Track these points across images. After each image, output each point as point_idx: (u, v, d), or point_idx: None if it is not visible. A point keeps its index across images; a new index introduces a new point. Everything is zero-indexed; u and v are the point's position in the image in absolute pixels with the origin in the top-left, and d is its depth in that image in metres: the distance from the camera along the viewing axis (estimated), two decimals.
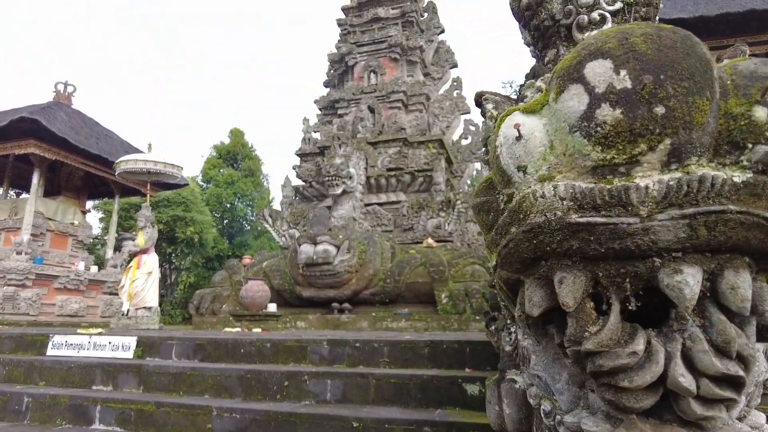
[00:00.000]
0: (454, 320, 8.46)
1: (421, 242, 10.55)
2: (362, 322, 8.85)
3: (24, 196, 13.73)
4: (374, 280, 9.14)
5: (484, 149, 1.10)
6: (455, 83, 14.05)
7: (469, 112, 13.59)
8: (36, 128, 10.93)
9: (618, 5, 1.32)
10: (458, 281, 8.94)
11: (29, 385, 4.84)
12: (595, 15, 1.29)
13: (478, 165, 13.03)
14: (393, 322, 8.73)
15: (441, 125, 12.90)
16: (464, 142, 13.41)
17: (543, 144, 0.91)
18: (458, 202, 10.53)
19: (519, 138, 0.84)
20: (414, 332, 7.56)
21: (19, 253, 11.29)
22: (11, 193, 14.28)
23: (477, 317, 8.43)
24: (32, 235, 11.79)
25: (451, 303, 8.63)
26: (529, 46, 1.31)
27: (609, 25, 1.29)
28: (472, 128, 13.51)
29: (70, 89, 13.29)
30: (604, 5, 1.32)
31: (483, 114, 1.11)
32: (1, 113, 12.26)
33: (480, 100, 1.08)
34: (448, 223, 10.57)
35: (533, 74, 1.14)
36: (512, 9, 1.30)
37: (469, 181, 13.72)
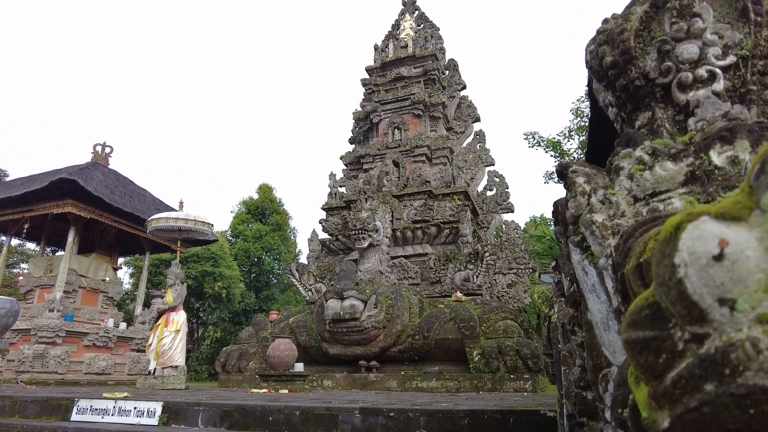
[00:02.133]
0: (487, 379, 8.08)
1: (449, 295, 10.30)
2: (391, 381, 8.54)
3: (59, 253, 14.11)
4: (402, 336, 8.88)
5: (571, 227, 0.84)
6: (478, 136, 14.19)
7: (493, 164, 13.62)
8: (74, 188, 11.34)
9: (730, 59, 1.11)
10: (490, 337, 8.62)
11: None
12: (701, 72, 1.09)
13: (505, 216, 12.90)
14: (423, 381, 8.39)
15: (465, 177, 12.92)
16: (489, 194, 13.35)
17: (762, 269, 0.61)
18: (486, 254, 10.33)
19: (720, 258, 0.57)
20: (447, 394, 7.22)
21: (51, 310, 11.43)
22: (47, 250, 14.70)
23: (511, 376, 8.05)
24: (65, 292, 11.97)
25: (483, 361, 8.28)
26: (610, 108, 1.17)
27: (720, 83, 1.09)
28: (497, 179, 13.49)
29: (107, 150, 13.89)
30: (713, 60, 1.15)
31: (567, 187, 0.91)
32: (43, 174, 12.82)
33: (565, 172, 0.91)
34: (477, 276, 10.34)
35: (627, 141, 0.96)
36: (591, 68, 1.16)
37: (495, 232, 13.53)
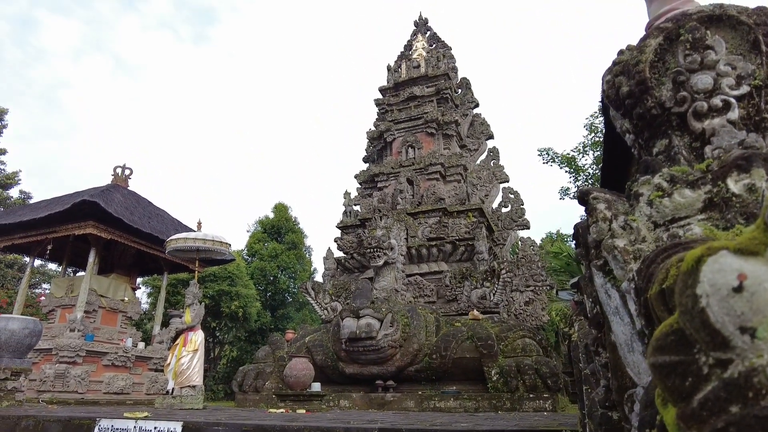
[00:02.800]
0: (506, 399, 7.97)
1: (466, 313, 10.24)
2: (408, 401, 8.46)
3: (80, 273, 14.34)
4: (419, 355, 8.82)
5: (593, 251, 0.86)
6: (492, 153, 14.22)
7: (507, 181, 13.62)
8: (95, 210, 11.59)
9: (744, 89, 1.13)
10: (508, 356, 8.53)
11: None
12: (716, 101, 1.11)
13: (520, 233, 12.84)
14: (441, 401, 8.30)
15: (480, 194, 12.93)
16: (504, 210, 13.32)
17: None
18: (503, 271, 10.28)
19: (739, 289, 0.60)
20: (466, 414, 7.13)
21: (72, 330, 11.60)
22: (69, 271, 14.96)
23: (531, 395, 7.93)
24: (86, 312, 12.15)
25: (502, 380, 8.19)
26: (627, 134, 1.20)
27: (735, 112, 1.12)
28: (511, 196, 13.46)
29: (127, 172, 14.20)
30: (727, 90, 1.19)
31: (588, 213, 0.94)
32: (65, 196, 13.13)
33: (586, 198, 0.94)
34: (494, 294, 10.27)
35: (645, 168, 0.99)
36: (608, 97, 1.20)
37: (510, 249, 13.45)
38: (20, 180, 25.22)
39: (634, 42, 1.16)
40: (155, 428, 5.41)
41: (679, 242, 0.79)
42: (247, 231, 24.14)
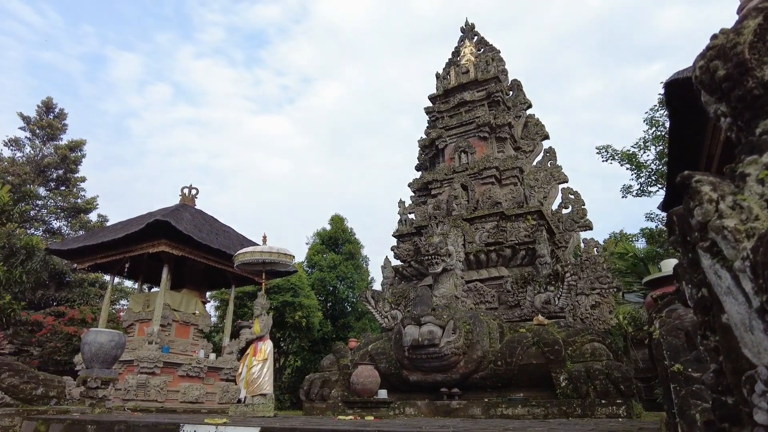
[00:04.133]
0: (576, 405, 7.71)
1: (530, 319, 10.01)
2: (474, 408, 8.36)
3: (155, 289, 15.24)
4: (484, 362, 8.72)
5: (697, 234, 0.87)
6: (548, 154, 13.90)
7: (566, 181, 13.26)
8: (166, 229, 12.33)
9: None
10: (577, 361, 8.26)
11: None
12: None
13: (583, 234, 12.43)
14: (508, 408, 8.15)
15: (538, 196, 12.65)
16: (565, 212, 12.96)
17: None
18: (567, 274, 9.99)
19: None
20: (535, 420, 6.97)
21: (150, 342, 12.35)
22: (144, 287, 15.95)
23: (602, 401, 7.63)
24: (161, 325, 12.90)
25: (571, 386, 7.93)
26: (723, 118, 1.18)
27: None
28: (572, 196, 13.08)
29: (193, 192, 15.03)
30: None
31: (691, 196, 0.94)
32: (138, 218, 14.05)
33: (688, 182, 0.94)
34: (558, 298, 10.00)
35: (750, 149, 0.99)
36: (701, 82, 1.19)
37: (573, 251, 13.04)
38: (98, 204, 27.21)
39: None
40: None
41: None
42: (306, 243, 24.85)
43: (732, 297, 0.86)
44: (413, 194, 14.16)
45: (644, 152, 17.83)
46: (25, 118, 25.96)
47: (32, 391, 7.83)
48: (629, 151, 18.15)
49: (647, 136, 17.73)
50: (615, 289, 11.35)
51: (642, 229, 19.77)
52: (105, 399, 8.81)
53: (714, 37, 1.17)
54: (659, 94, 15.98)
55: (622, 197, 19.10)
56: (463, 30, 15.93)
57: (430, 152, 14.39)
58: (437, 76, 15.11)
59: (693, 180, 0.97)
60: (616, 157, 18.40)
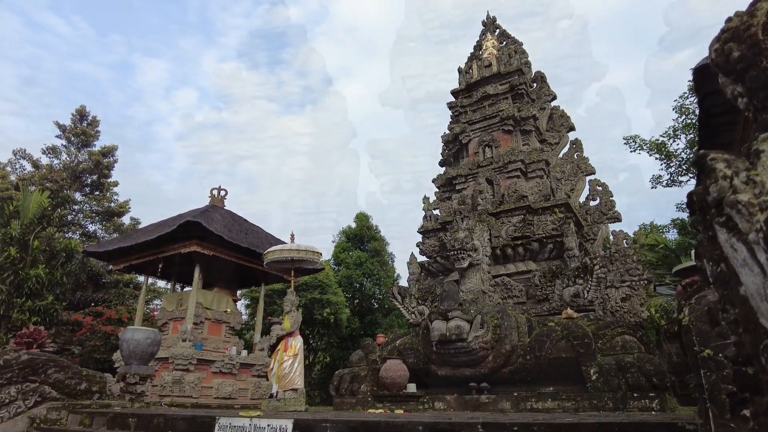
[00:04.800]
0: (607, 399, 7.62)
1: (558, 313, 9.92)
2: (504, 402, 8.35)
3: (187, 289, 15.68)
4: (512, 356, 8.69)
5: (714, 210, 0.89)
6: (574, 145, 13.71)
7: (593, 173, 13.06)
8: (197, 230, 12.68)
9: None
10: (607, 354, 8.16)
11: None
12: None
13: (612, 226, 12.23)
14: (538, 402, 8.11)
15: (565, 189, 12.50)
16: (592, 204, 12.77)
17: None
18: (596, 267, 9.86)
19: None
20: (565, 414, 6.93)
21: (184, 340, 12.73)
22: (177, 287, 16.43)
23: (634, 394, 7.52)
24: (194, 323, 13.28)
25: (602, 379, 7.84)
26: (740, 98, 1.21)
27: None
28: (599, 188, 12.88)
29: (222, 193, 15.38)
30: None
31: (707, 173, 0.97)
32: (170, 219, 14.47)
33: (703, 160, 0.97)
34: (587, 291, 9.88)
35: (765, 126, 1.02)
36: (716, 65, 1.22)
37: (602, 244, 12.83)
38: (130, 208, 28.07)
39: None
40: (269, 425, 5.82)
41: None
42: (332, 241, 25.15)
43: (747, 268, 0.89)
44: (437, 190, 14.16)
45: (674, 141, 17.40)
46: (61, 126, 26.97)
47: (76, 386, 8.19)
48: (658, 140, 17.73)
49: (677, 125, 17.29)
50: (646, 282, 11.13)
51: (673, 220, 19.31)
52: (143, 394, 9.15)
53: (728, 20, 1.19)
54: (689, 81, 15.57)
55: (652, 188, 18.70)
56: (484, 23, 15.82)
57: (453, 147, 14.36)
58: (459, 70, 15.05)
59: (708, 158, 1.00)
60: (645, 147, 18.00)
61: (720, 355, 2.16)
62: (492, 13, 15.95)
